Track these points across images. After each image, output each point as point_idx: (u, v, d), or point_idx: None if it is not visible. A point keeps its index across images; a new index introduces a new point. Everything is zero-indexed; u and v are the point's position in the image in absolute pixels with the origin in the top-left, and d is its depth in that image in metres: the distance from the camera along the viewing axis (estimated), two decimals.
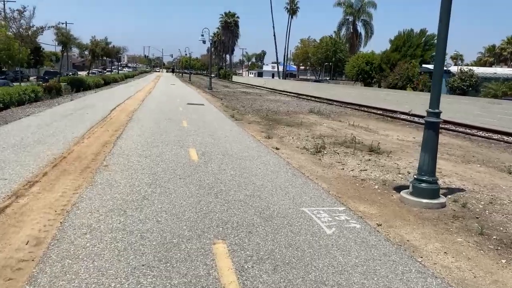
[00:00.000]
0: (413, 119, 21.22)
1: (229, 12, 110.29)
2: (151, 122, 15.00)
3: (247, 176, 7.75)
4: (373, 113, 24.12)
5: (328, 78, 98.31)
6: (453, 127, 17.68)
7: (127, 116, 16.27)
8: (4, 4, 44.67)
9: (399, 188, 7.51)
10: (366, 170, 8.86)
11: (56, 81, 35.49)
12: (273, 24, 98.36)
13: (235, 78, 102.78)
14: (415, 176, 6.86)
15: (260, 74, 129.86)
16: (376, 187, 7.61)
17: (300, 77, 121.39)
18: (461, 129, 17.45)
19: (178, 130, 13.22)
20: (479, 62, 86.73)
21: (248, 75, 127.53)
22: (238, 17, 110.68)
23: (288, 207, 6.10)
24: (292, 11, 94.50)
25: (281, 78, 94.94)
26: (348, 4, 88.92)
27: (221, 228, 5.14)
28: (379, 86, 64.53)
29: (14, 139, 10.32)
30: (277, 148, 10.86)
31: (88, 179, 7.09)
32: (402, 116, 22.15)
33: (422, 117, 22.17)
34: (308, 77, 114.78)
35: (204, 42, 42.20)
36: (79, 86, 36.45)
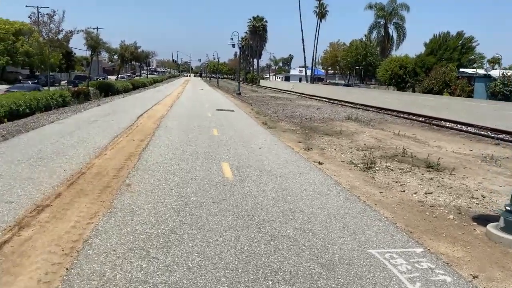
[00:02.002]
0: (460, 127, 19.48)
1: (257, 16, 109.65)
2: (180, 130, 13.97)
3: (292, 201, 6.51)
4: (415, 120, 22.43)
5: (358, 82, 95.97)
6: None
7: (154, 124, 15.31)
8: (38, 10, 45.07)
9: (479, 219, 6.12)
10: (431, 193, 7.47)
11: (85, 86, 35.33)
12: (301, 28, 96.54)
13: (262, 83, 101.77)
14: (507, 208, 5.44)
15: (287, 78, 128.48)
16: (451, 217, 6.22)
17: (328, 81, 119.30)
18: None
19: (208, 140, 12.12)
20: None
21: (275, 79, 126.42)
22: (266, 22, 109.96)
23: (351, 247, 4.82)
24: (321, 14, 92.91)
25: (308, 82, 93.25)
26: (379, 7, 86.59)
27: (270, 282, 3.92)
28: (413, 91, 62.12)
29: (32, 150, 9.43)
30: (320, 163, 9.57)
31: (107, 203, 6.01)
32: (448, 124, 20.40)
33: (470, 125, 20.46)
34: (337, 81, 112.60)
35: (233, 46, 41.31)
36: (107, 91, 36.15)
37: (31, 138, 11.00)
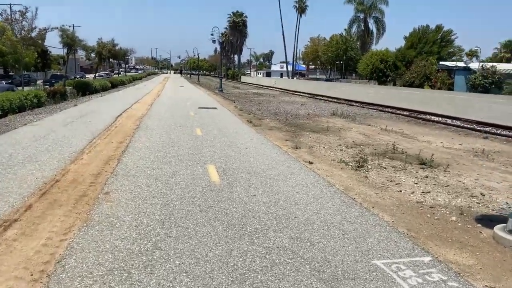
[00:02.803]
0: (446, 121, 19.39)
1: (237, 11, 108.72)
2: (161, 130, 13.38)
3: (285, 206, 6.06)
4: (401, 114, 22.29)
5: (339, 77, 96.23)
6: (504, 132, 15.77)
7: (134, 124, 14.67)
8: (10, 7, 43.41)
9: (483, 220, 5.80)
10: (429, 192, 7.13)
11: (61, 85, 34.16)
12: (282, 23, 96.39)
13: (243, 79, 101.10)
14: None
15: (268, 74, 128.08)
16: (453, 218, 5.88)
17: (310, 76, 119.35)
18: (505, 133, 15.55)
19: (191, 140, 11.58)
20: (495, 58, 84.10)
21: (256, 75, 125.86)
22: (246, 17, 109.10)
23: (354, 258, 4.40)
24: (301, 9, 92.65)
25: (290, 77, 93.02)
26: (359, 1, 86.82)
27: None
28: (394, 85, 62.41)
29: (1, 156, 8.74)
30: (310, 162, 9.16)
31: (83, 214, 5.46)
32: (434, 118, 20.29)
33: (455, 118, 20.41)
34: (318, 76, 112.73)
35: (214, 42, 40.57)
36: (85, 90, 35.05)
37: (1, 143, 10.27)
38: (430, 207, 6.35)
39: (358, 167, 8.83)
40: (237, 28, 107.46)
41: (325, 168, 8.75)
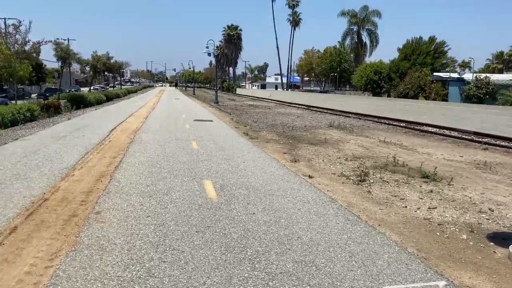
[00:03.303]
0: (444, 132, 19.20)
1: (232, 25, 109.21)
2: (156, 144, 13.05)
3: (287, 225, 5.74)
4: (397, 126, 22.10)
5: (333, 89, 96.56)
6: (503, 143, 15.58)
7: (128, 138, 14.33)
8: (5, 22, 43.04)
9: (495, 238, 5.52)
10: (435, 208, 6.84)
11: (55, 99, 33.84)
12: (276, 36, 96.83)
13: (238, 91, 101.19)
14: None
15: (263, 86, 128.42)
16: (464, 236, 5.58)
17: (304, 88, 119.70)
18: (505, 144, 15.36)
19: (187, 154, 11.26)
20: (488, 69, 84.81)
21: (251, 87, 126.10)
22: (241, 30, 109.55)
23: (364, 284, 4.08)
24: (295, 22, 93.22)
25: (284, 89, 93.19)
26: (352, 14, 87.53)
27: None
28: (389, 96, 62.53)
29: None
30: (310, 176, 8.86)
31: (71, 237, 5.10)
32: (431, 129, 20.13)
33: (452, 129, 20.24)
34: (312, 88, 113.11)
35: (209, 54, 40.51)
36: (79, 103, 34.71)
37: None
38: (438, 224, 6.05)
39: (360, 181, 8.54)
40: (232, 41, 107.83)
41: (326, 182, 8.45)
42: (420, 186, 8.28)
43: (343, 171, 9.57)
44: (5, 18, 41.00)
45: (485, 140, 16.31)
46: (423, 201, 7.24)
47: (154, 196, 6.98)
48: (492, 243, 5.36)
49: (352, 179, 8.71)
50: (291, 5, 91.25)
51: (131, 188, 7.51)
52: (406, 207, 6.89)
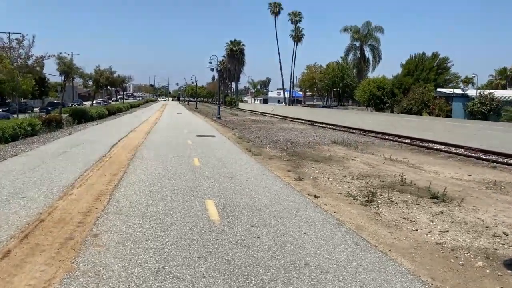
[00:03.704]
0: (450, 149, 18.93)
1: (235, 40, 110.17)
2: (157, 161, 12.83)
3: (293, 250, 5.46)
4: (402, 142, 21.85)
5: (336, 104, 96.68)
6: (511, 161, 15.30)
7: (129, 154, 14.11)
8: (9, 36, 43.42)
9: None
10: (447, 231, 6.55)
11: (57, 113, 33.79)
12: (279, 51, 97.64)
13: (241, 105, 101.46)
14: None
15: (265, 101, 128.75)
16: (480, 263, 5.29)
17: (307, 103, 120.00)
18: None
19: (189, 172, 11.02)
20: (491, 85, 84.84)
21: (253, 102, 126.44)
22: (243, 45, 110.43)
23: None
24: (298, 38, 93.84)
25: (287, 104, 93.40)
26: (355, 30, 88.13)
27: None
28: (392, 111, 62.45)
29: None
30: (316, 196, 8.59)
31: (67, 262, 4.84)
32: (436, 146, 19.87)
33: (458, 147, 19.95)
34: (315, 103, 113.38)
35: (212, 69, 40.59)
36: (81, 117, 34.67)
37: None
38: (451, 250, 5.76)
39: (368, 201, 8.27)
40: (235, 56, 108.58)
41: (332, 203, 8.18)
42: (430, 207, 8.00)
43: (350, 190, 9.30)
44: (9, 33, 41.35)
45: (493, 158, 16.03)
46: (434, 223, 6.96)
47: (154, 217, 6.72)
48: (510, 271, 5.07)
49: (360, 200, 8.44)
50: (293, 20, 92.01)
51: (131, 208, 7.26)
52: (416, 230, 6.60)
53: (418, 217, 7.31)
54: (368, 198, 8.41)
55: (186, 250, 5.31)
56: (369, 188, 9.30)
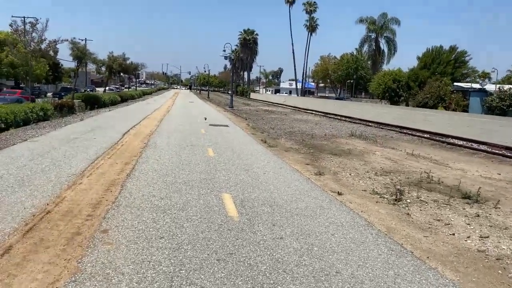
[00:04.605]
0: (472, 145, 18.17)
1: (248, 29, 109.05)
2: (170, 149, 12.36)
3: (321, 255, 4.93)
4: (422, 137, 21.12)
5: (349, 96, 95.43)
6: None
7: (141, 142, 13.67)
8: (24, 20, 43.08)
9: None
10: (488, 237, 5.97)
11: (69, 98, 33.54)
12: (292, 41, 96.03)
13: (252, 95, 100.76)
14: None
15: (277, 91, 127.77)
16: None
17: (319, 94, 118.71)
18: None
19: (203, 162, 10.53)
20: (508, 80, 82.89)
21: (265, 92, 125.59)
22: (257, 34, 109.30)
23: None
24: (312, 28, 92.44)
25: (299, 95, 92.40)
26: (370, 21, 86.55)
27: None
28: (407, 105, 61.24)
29: None
30: (339, 193, 8.04)
31: (72, 262, 4.38)
32: (458, 142, 19.12)
33: (480, 143, 19.15)
34: (327, 95, 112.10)
35: (226, 58, 39.96)
36: (93, 104, 34.46)
37: None
38: (496, 259, 5.19)
39: (396, 200, 7.70)
40: (248, 45, 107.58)
41: (357, 201, 7.62)
42: (464, 209, 7.40)
43: (375, 187, 8.73)
44: (24, 17, 41.08)
45: None
46: (472, 227, 6.37)
47: (169, 212, 6.24)
48: None
49: (387, 198, 7.87)
50: (308, 10, 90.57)
51: (143, 201, 6.78)
52: (453, 234, 6.03)
53: (452, 220, 6.72)
54: (396, 197, 7.83)
55: (204, 251, 4.81)
56: (396, 186, 8.70)
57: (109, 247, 4.80)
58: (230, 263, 4.53)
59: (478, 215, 7.01)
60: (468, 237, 5.96)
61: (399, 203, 7.56)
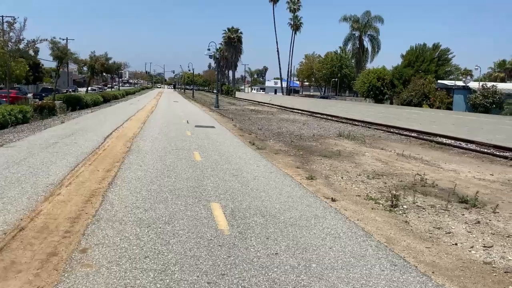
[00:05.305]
0: (460, 144, 18.09)
1: (233, 27, 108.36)
2: (155, 154, 11.88)
3: (321, 273, 4.57)
4: (409, 136, 21.00)
5: (333, 94, 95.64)
6: None
7: (124, 146, 13.13)
8: (2, 20, 41.78)
9: None
10: (492, 246, 5.69)
11: (50, 99, 32.55)
12: (276, 40, 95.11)
13: (238, 94, 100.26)
14: None
15: (262, 90, 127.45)
16: None
17: (304, 93, 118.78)
18: None
19: (190, 168, 10.09)
20: (490, 78, 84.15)
21: (251, 91, 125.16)
22: (241, 33, 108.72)
23: None
24: (296, 26, 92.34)
25: (284, 94, 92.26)
26: (354, 19, 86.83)
27: None
28: (391, 103, 61.57)
29: None
30: (333, 199, 7.70)
31: None
32: (446, 141, 19.03)
33: (467, 141, 19.09)
34: (312, 93, 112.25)
35: (210, 56, 39.38)
36: (75, 105, 33.50)
37: None
38: (505, 272, 4.90)
39: (391, 206, 7.39)
40: (232, 44, 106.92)
41: (352, 207, 7.29)
42: (463, 215, 7.13)
43: (368, 192, 8.43)
44: (2, 16, 39.84)
45: (507, 154, 15.23)
46: (474, 236, 6.09)
47: (154, 226, 5.80)
48: None
49: (382, 204, 7.57)
50: (292, 9, 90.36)
51: (126, 213, 6.33)
52: (456, 244, 5.74)
53: (453, 227, 6.44)
54: (392, 202, 7.53)
55: (193, 273, 4.40)
56: (391, 190, 8.40)
57: (88, 270, 4.35)
58: (222, 287, 4.13)
59: (479, 222, 6.75)
60: (472, 247, 5.67)
61: (395, 209, 7.26)
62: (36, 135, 14.95)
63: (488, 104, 44.47)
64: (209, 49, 40.25)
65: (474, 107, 45.55)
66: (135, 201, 6.98)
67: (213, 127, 21.27)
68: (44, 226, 5.63)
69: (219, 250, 5.03)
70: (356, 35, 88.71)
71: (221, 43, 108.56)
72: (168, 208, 6.66)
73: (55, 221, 5.84)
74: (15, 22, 26.07)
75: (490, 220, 6.87)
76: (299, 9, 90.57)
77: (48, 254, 4.76)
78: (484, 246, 5.69)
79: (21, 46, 28.33)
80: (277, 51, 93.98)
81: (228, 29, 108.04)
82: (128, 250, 4.91)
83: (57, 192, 7.34)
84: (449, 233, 6.19)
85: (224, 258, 4.80)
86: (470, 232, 6.27)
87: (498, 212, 7.34)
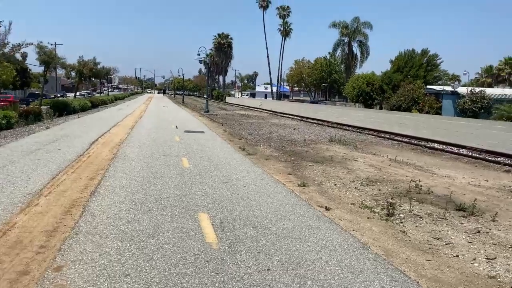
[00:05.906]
0: (451, 149, 17.96)
1: (223, 33, 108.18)
2: (141, 161, 11.47)
3: None
4: (401, 141, 20.84)
5: (323, 99, 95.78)
6: None
7: (110, 152, 12.69)
8: None
9: None
10: (495, 258, 5.40)
11: (37, 105, 31.89)
12: (266, 45, 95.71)
13: (228, 99, 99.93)
14: None
15: (253, 95, 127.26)
16: None
17: (294, 98, 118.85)
18: None
19: (178, 175, 9.70)
20: (477, 83, 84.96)
21: (241, 96, 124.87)
22: (231, 38, 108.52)
23: None
24: (286, 32, 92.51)
25: (274, 99, 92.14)
26: (343, 25, 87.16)
27: None
28: (381, 108, 61.69)
29: None
30: (327, 208, 7.38)
31: None
32: (438, 146, 18.89)
33: (459, 146, 18.96)
34: (302, 98, 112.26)
35: (201, 61, 39.01)
36: (62, 110, 32.86)
37: None
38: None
39: (388, 215, 7.09)
40: (223, 49, 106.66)
41: (347, 217, 6.97)
42: (461, 223, 6.86)
43: (363, 200, 8.12)
44: None
45: (500, 159, 15.11)
46: (475, 247, 5.80)
47: (137, 240, 5.40)
48: None
49: (377, 212, 7.27)
50: (282, 15, 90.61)
51: (108, 225, 5.92)
52: (457, 256, 5.44)
53: (453, 237, 6.15)
54: (388, 211, 7.23)
55: None
56: (387, 198, 8.09)
57: None
58: None
59: (479, 231, 6.47)
60: (474, 259, 5.37)
61: (392, 218, 6.96)
62: (19, 141, 14.43)
63: (476, 109, 44.76)
64: (199, 54, 39.91)
65: (463, 112, 45.79)
66: (118, 212, 6.58)
67: (202, 132, 20.87)
68: (17, 241, 5.21)
69: (206, 266, 4.67)
70: (345, 41, 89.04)
71: (211, 49, 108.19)
72: (152, 219, 6.27)
73: (29, 235, 5.43)
74: (0, 26, 25.48)
75: (490, 230, 6.60)
76: (289, 15, 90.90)
77: (19, 273, 4.35)
78: (487, 258, 5.40)
79: (6, 50, 27.71)
80: (267, 56, 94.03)
81: (219, 34, 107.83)
82: (107, 267, 4.52)
83: (35, 203, 6.91)
84: (449, 243, 5.90)
85: (211, 276, 4.43)
86: (470, 242, 5.98)
87: (498, 221, 7.08)
